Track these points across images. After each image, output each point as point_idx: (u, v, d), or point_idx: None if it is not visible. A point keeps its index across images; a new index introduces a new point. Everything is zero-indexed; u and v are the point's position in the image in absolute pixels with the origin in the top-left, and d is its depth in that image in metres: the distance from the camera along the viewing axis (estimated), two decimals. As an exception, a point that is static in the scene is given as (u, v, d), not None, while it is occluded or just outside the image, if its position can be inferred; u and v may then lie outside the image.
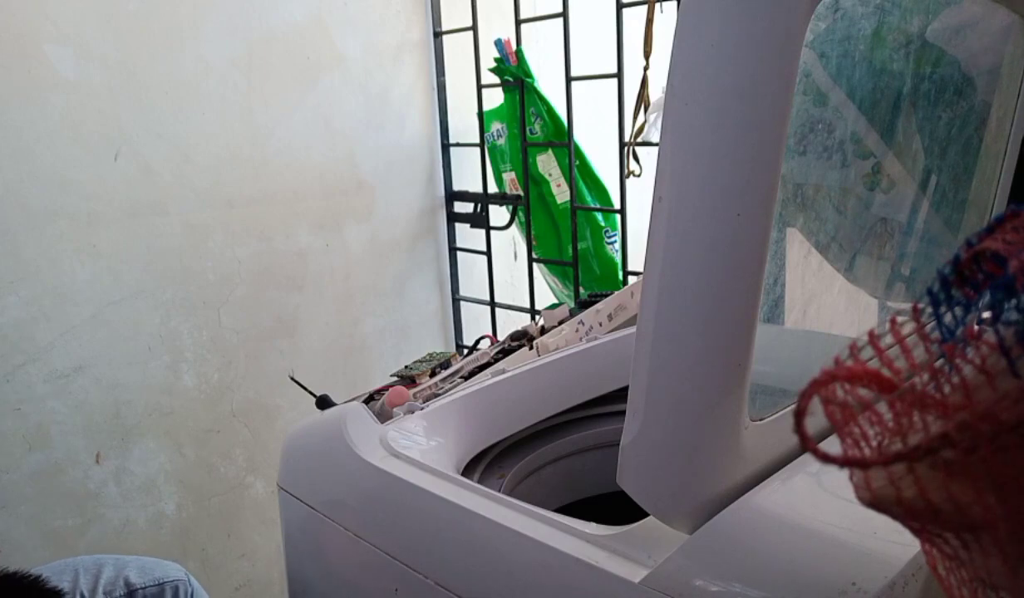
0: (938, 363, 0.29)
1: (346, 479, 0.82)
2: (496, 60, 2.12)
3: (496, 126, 2.23)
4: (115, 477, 1.69)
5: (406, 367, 1.07)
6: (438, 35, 2.26)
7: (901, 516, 0.31)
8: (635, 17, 1.79)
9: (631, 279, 2.03)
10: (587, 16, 2.03)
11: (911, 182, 0.81)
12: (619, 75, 1.87)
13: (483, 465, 0.90)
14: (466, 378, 0.99)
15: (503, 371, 0.96)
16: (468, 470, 0.86)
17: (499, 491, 0.81)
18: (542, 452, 0.97)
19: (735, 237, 0.50)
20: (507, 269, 2.46)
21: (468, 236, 2.40)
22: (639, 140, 1.75)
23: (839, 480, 0.32)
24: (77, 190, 1.59)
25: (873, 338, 0.31)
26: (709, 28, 0.48)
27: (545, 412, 0.96)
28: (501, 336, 1.11)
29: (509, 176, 2.24)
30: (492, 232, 2.31)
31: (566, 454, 0.99)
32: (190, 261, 1.77)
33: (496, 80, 2.15)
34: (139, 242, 1.69)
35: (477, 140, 2.27)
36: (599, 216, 2.10)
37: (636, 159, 1.78)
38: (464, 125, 2.33)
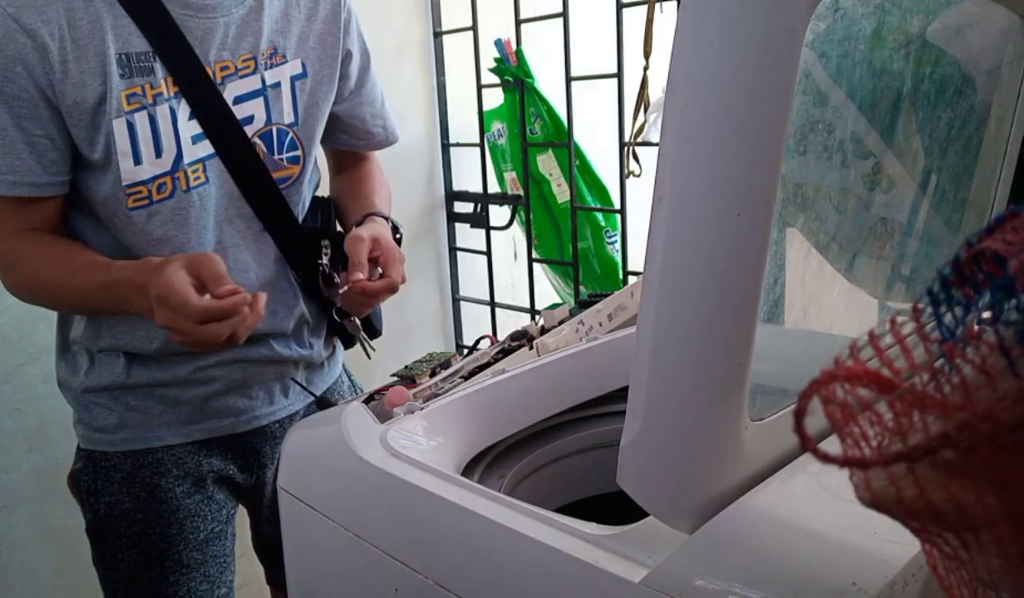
0: (938, 363, 0.29)
1: (346, 479, 0.82)
2: (496, 60, 2.12)
3: (496, 126, 2.23)
4: (115, 477, 1.69)
5: (406, 367, 1.07)
6: (438, 35, 2.26)
7: (901, 516, 0.31)
8: (635, 17, 1.79)
9: (631, 279, 2.03)
10: (587, 16, 2.03)
11: (911, 182, 0.81)
12: (619, 75, 1.87)
13: (483, 465, 0.90)
14: (466, 378, 0.99)
15: (503, 371, 0.96)
16: (468, 470, 0.86)
17: (499, 491, 0.81)
18: (542, 452, 0.97)
19: (735, 237, 0.50)
20: (507, 269, 2.46)
21: (468, 236, 2.39)
22: (639, 140, 1.75)
23: (839, 480, 0.32)
24: (77, 190, 1.58)
25: (873, 338, 0.31)
26: (709, 28, 0.48)
27: (545, 412, 0.96)
28: (501, 336, 1.11)
29: (510, 176, 2.24)
30: (492, 232, 2.31)
31: (566, 454, 0.99)
32: (190, 261, 1.77)
33: (496, 80, 2.15)
34: (139, 242, 1.68)
35: (477, 140, 2.27)
36: (599, 216, 2.10)
37: (636, 159, 1.78)
38: (464, 125, 2.33)
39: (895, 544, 0.51)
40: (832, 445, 0.30)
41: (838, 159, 0.74)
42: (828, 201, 0.76)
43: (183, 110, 1.02)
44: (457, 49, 2.25)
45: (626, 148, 1.81)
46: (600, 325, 1.11)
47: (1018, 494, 0.27)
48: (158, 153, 1.01)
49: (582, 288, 2.11)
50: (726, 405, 0.54)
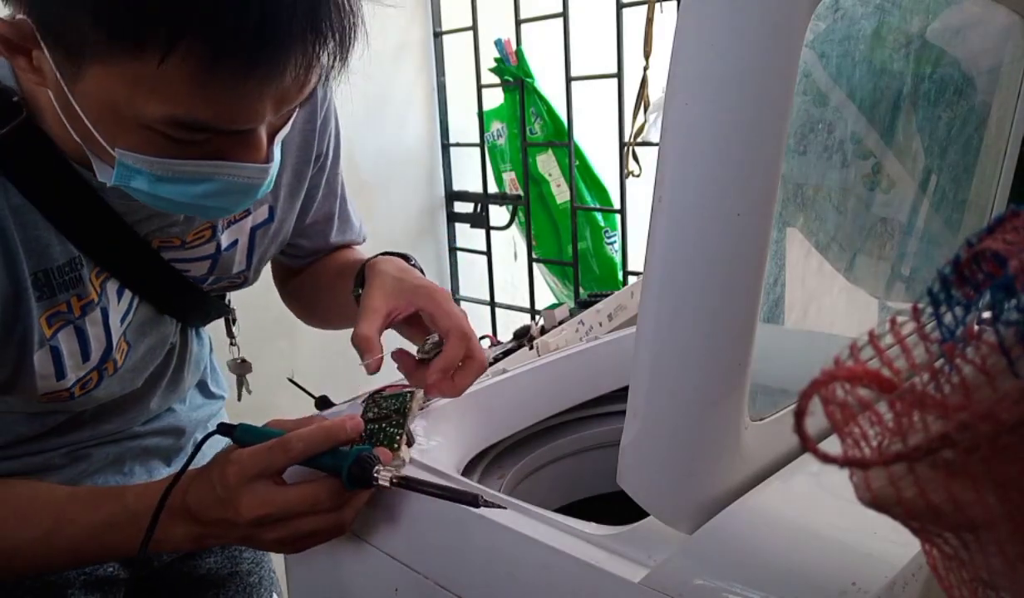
0: (938, 363, 0.29)
1: (346, 479, 0.81)
2: (496, 60, 2.12)
3: (496, 126, 2.23)
4: (115, 477, 1.69)
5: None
6: (438, 35, 2.26)
7: (901, 516, 0.31)
8: (635, 17, 1.79)
9: (631, 279, 2.03)
10: (587, 16, 2.03)
11: (911, 182, 0.81)
12: (619, 75, 1.87)
13: (483, 465, 0.90)
14: (466, 378, 0.99)
15: (503, 371, 0.96)
16: (468, 470, 0.86)
17: (499, 491, 0.81)
18: (542, 452, 0.97)
19: (735, 237, 0.50)
20: (507, 269, 2.46)
21: (468, 236, 2.40)
22: (639, 140, 1.75)
23: (839, 480, 0.32)
24: (77, 190, 1.58)
25: (873, 338, 0.31)
26: (709, 28, 0.48)
27: (545, 412, 0.96)
28: (501, 336, 1.11)
29: (509, 176, 2.24)
30: (492, 232, 2.31)
31: (566, 454, 0.99)
32: (190, 261, 1.77)
33: (496, 80, 2.15)
34: (139, 242, 1.68)
35: (477, 140, 2.27)
36: (599, 216, 2.10)
37: (636, 159, 1.78)
38: (464, 125, 2.33)
39: (895, 544, 0.51)
40: (832, 445, 0.30)
41: (838, 159, 0.74)
42: (828, 201, 0.76)
43: (113, 302, 0.82)
44: (457, 49, 2.25)
45: (626, 148, 1.81)
46: (600, 325, 1.11)
47: (1018, 494, 0.27)
48: (85, 358, 0.80)
49: (581, 289, 2.11)
50: (726, 405, 0.54)
